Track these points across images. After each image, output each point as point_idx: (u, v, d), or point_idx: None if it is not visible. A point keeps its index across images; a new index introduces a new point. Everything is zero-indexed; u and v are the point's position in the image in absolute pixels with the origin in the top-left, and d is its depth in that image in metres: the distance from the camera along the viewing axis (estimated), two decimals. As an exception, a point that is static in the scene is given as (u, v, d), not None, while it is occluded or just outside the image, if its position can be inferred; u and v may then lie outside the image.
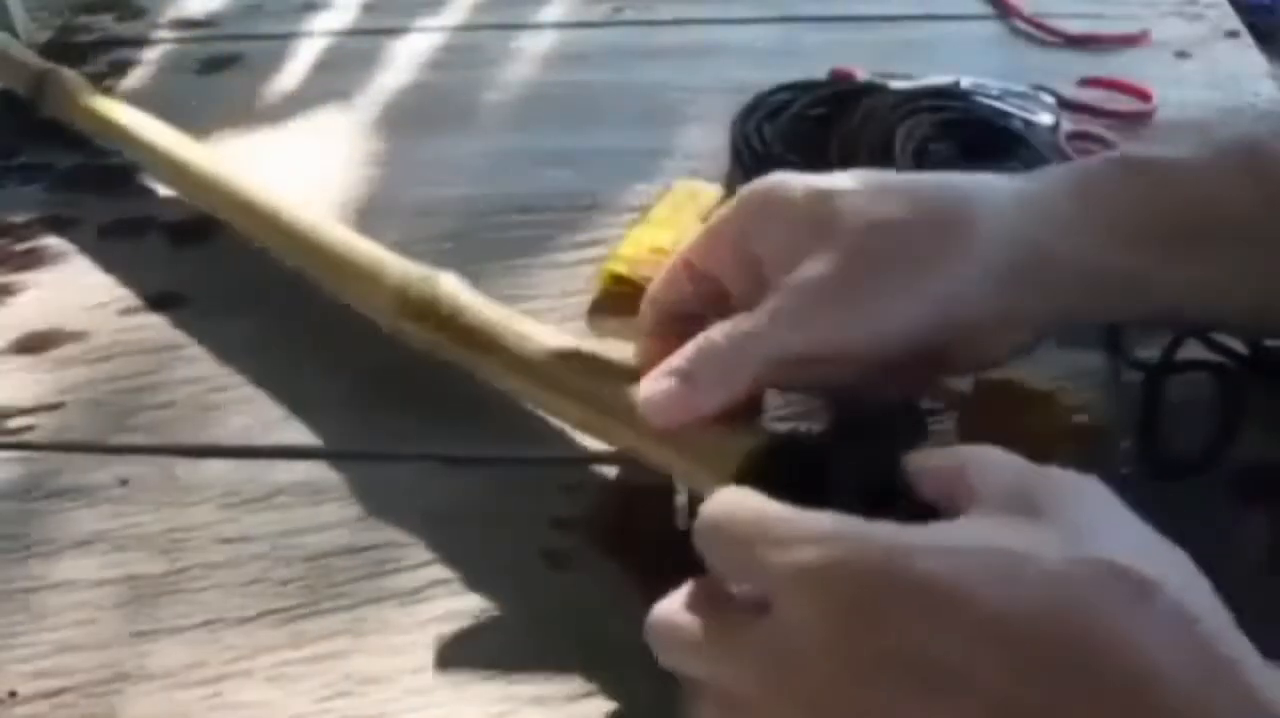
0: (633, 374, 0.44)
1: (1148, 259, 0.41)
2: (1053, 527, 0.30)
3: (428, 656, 0.43)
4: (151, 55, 0.83)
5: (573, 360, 0.46)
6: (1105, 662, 0.27)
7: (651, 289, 0.46)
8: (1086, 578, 0.29)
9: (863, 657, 0.29)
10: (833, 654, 0.30)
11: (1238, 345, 0.49)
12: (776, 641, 0.31)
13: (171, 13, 0.88)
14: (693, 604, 0.34)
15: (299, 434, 0.52)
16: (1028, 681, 0.28)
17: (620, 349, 0.47)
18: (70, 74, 0.71)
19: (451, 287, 0.51)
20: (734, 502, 0.35)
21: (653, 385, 0.42)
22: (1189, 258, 0.41)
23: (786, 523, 0.33)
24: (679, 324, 0.44)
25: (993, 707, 0.28)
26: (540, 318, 0.56)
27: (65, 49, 0.84)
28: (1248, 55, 0.74)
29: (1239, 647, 0.29)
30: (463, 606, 0.44)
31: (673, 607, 0.35)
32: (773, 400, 0.51)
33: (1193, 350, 0.49)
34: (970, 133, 0.63)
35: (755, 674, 0.31)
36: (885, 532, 0.31)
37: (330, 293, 0.55)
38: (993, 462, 0.34)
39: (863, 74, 0.70)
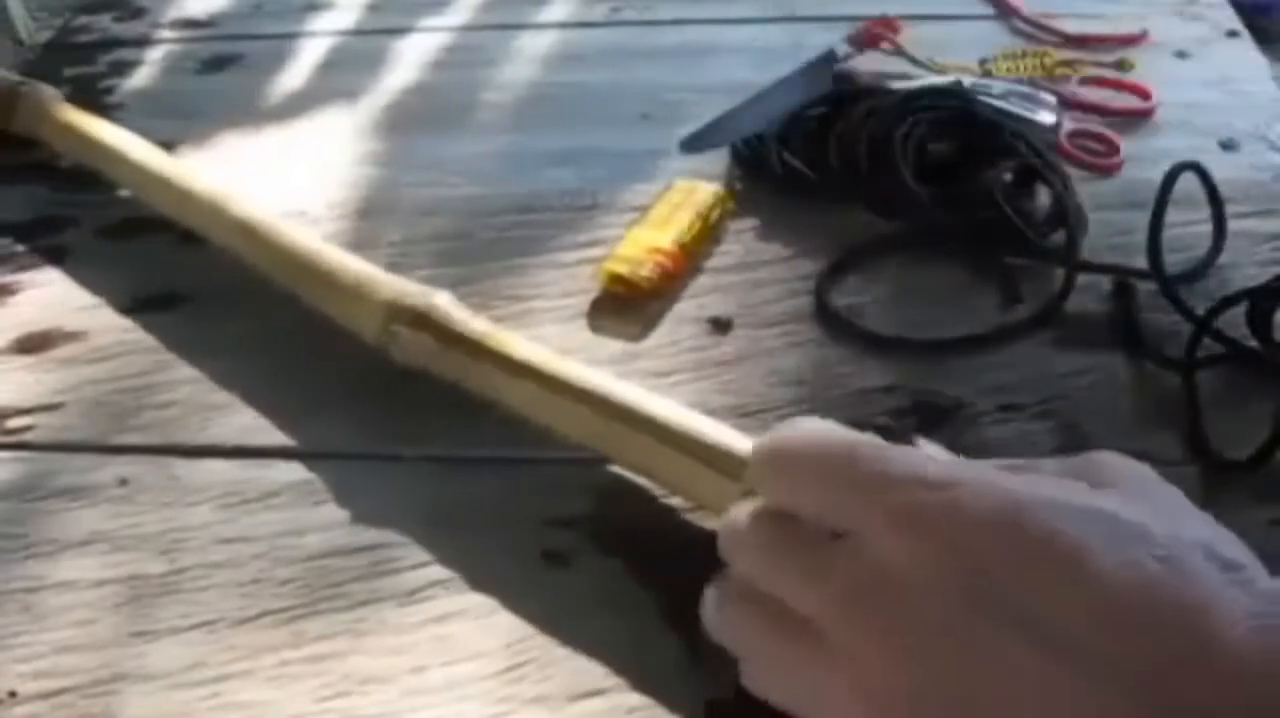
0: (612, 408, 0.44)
1: None
2: (1138, 502, 0.31)
3: (427, 656, 0.43)
4: (151, 55, 0.83)
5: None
6: (1210, 635, 0.28)
7: None
8: (1189, 556, 0.29)
9: (975, 602, 0.29)
10: (938, 594, 0.30)
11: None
12: (866, 570, 0.31)
13: (172, 13, 0.88)
14: (765, 519, 0.34)
15: (299, 434, 0.52)
16: (1138, 647, 0.28)
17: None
18: (47, 89, 0.70)
19: (445, 301, 0.51)
20: (820, 431, 0.35)
21: None
22: None
23: (886, 461, 0.32)
24: None
25: (1097, 669, 0.28)
26: (540, 318, 0.57)
27: (65, 49, 0.84)
28: (1248, 55, 0.74)
29: None
30: (462, 605, 0.44)
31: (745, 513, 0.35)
32: (783, 394, 0.51)
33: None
34: (970, 132, 0.63)
35: (835, 596, 0.31)
36: (1002, 480, 0.31)
37: (314, 304, 0.55)
38: None
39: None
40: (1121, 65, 0.72)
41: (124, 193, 0.67)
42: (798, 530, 0.34)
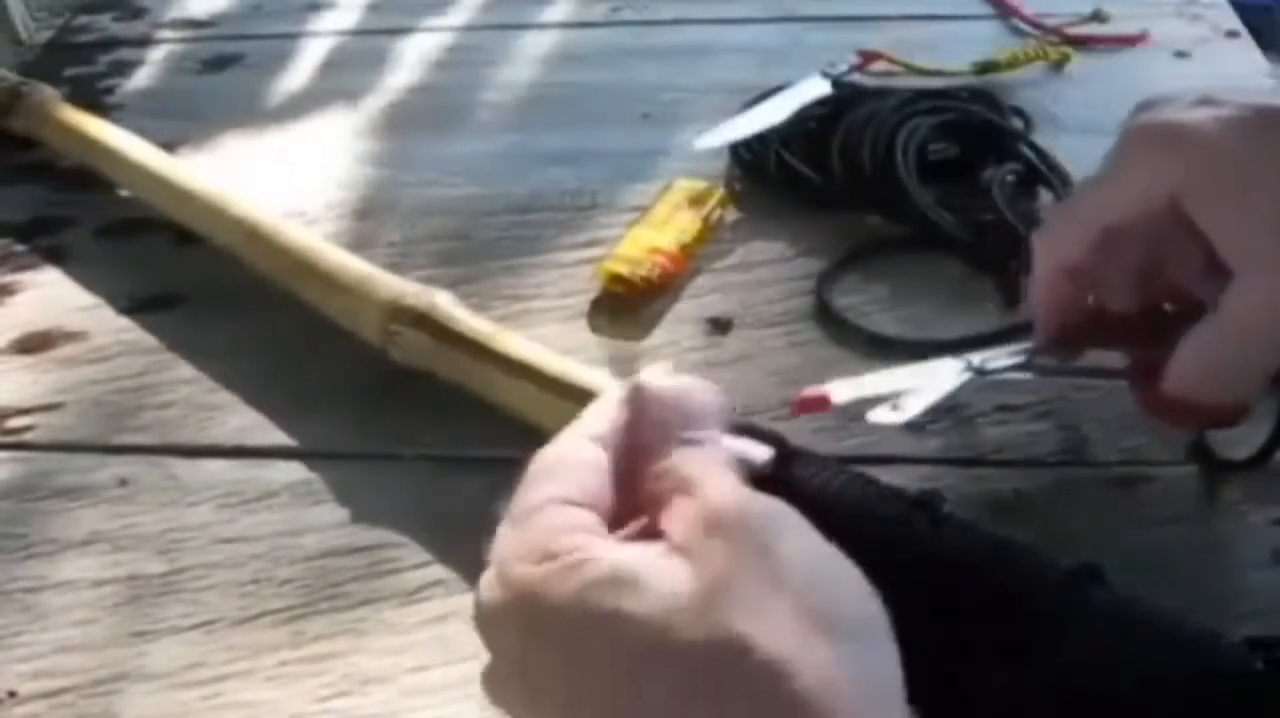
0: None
1: None
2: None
3: (427, 656, 0.43)
4: (152, 55, 0.83)
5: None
6: None
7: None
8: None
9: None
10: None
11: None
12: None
13: (172, 13, 0.88)
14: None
15: (298, 434, 0.52)
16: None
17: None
18: (48, 89, 0.71)
19: (445, 300, 0.51)
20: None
21: None
22: None
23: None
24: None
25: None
26: (540, 318, 0.56)
27: (65, 49, 0.84)
28: (1248, 55, 0.74)
29: None
30: (462, 605, 0.44)
31: None
32: (783, 394, 0.51)
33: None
34: (972, 134, 0.63)
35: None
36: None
37: (315, 304, 0.55)
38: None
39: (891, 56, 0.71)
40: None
41: (124, 193, 0.67)
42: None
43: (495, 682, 0.34)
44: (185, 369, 0.56)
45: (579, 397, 0.46)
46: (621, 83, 0.75)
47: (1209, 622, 0.41)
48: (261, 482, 0.50)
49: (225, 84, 0.79)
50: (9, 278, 0.62)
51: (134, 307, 0.60)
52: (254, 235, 0.57)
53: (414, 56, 0.80)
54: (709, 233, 0.61)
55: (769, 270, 0.59)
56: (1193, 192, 0.38)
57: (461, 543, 0.46)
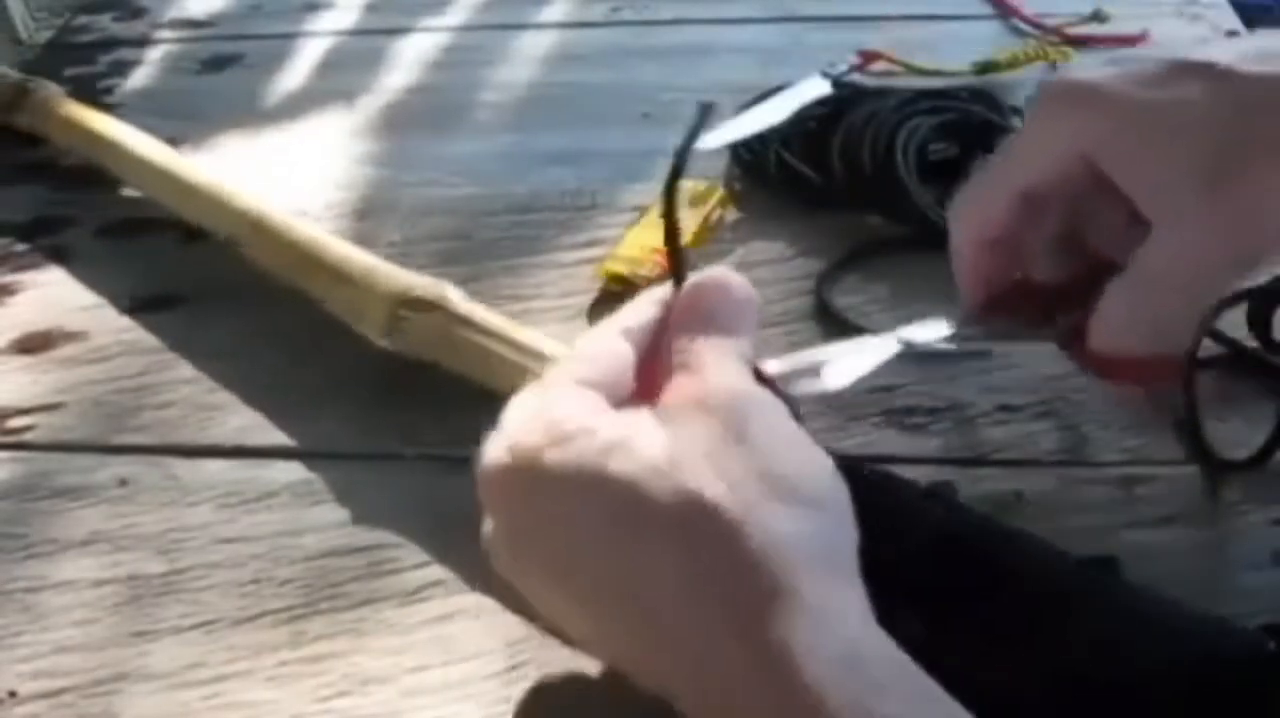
0: None
1: None
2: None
3: (427, 656, 0.43)
4: (151, 55, 0.83)
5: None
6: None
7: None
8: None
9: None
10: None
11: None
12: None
13: (171, 13, 0.88)
14: None
15: (298, 434, 0.52)
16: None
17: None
18: (52, 86, 0.71)
19: (456, 293, 0.51)
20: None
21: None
22: None
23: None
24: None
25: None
26: (540, 318, 0.56)
27: (65, 49, 0.84)
28: (1248, 55, 0.74)
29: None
30: (462, 605, 0.44)
31: None
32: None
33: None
34: (972, 134, 0.63)
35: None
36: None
37: (320, 296, 0.55)
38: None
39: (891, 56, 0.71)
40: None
41: (125, 193, 0.67)
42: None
43: (494, 547, 0.37)
44: (185, 369, 0.56)
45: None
46: (621, 83, 0.75)
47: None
48: (261, 482, 0.50)
49: (224, 84, 0.79)
50: (9, 278, 0.62)
51: (134, 307, 0.60)
52: (259, 228, 0.57)
53: (413, 56, 0.80)
54: (709, 233, 0.61)
55: (769, 270, 0.59)
56: (1106, 148, 0.38)
57: (462, 543, 0.46)
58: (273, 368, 0.55)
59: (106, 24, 0.87)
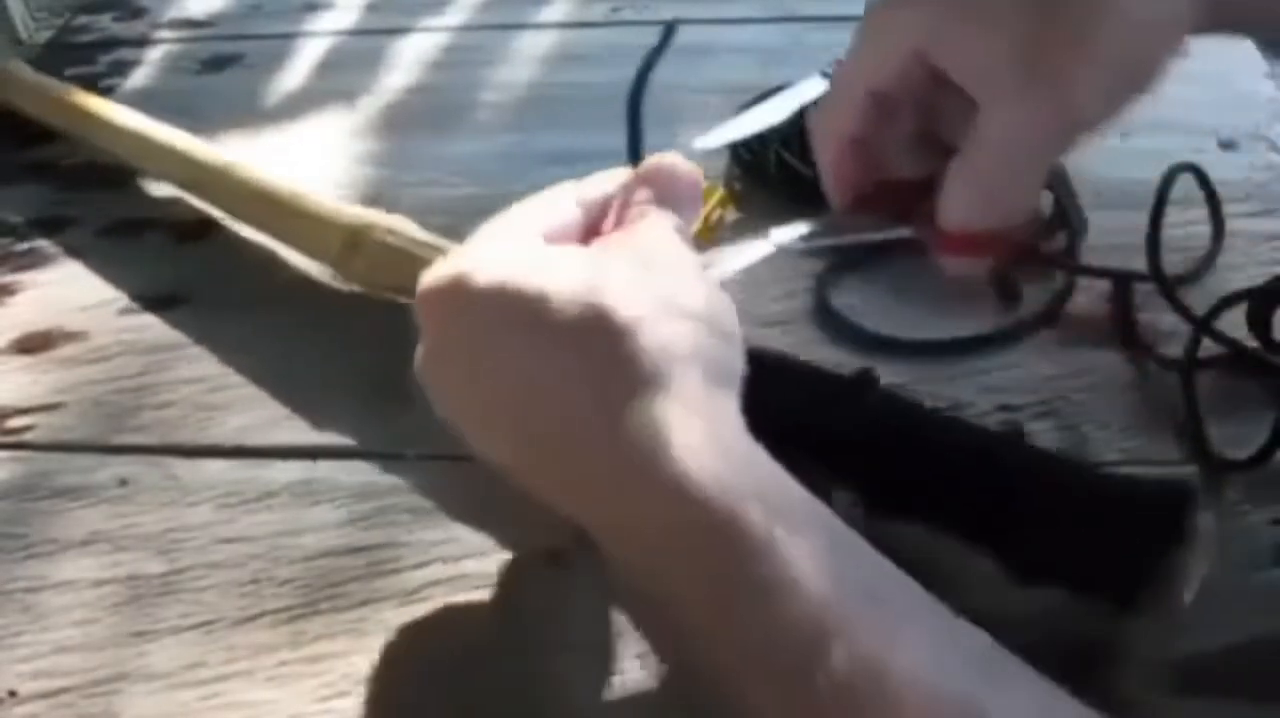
0: None
1: None
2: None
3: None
4: (151, 55, 0.83)
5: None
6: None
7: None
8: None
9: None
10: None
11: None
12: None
13: (171, 13, 0.88)
14: None
15: (298, 434, 0.52)
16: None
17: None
18: (14, 62, 0.73)
19: (405, 220, 0.55)
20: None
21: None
22: None
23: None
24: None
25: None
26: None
27: (65, 49, 0.84)
28: (1248, 55, 0.74)
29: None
30: (462, 605, 0.44)
31: None
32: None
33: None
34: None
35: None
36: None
37: (278, 233, 0.58)
38: None
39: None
40: None
41: (125, 193, 0.67)
42: None
43: (423, 367, 0.39)
44: (185, 369, 0.56)
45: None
46: (621, 83, 0.75)
47: (1209, 621, 0.41)
48: (261, 482, 0.50)
49: (224, 84, 0.79)
50: (9, 278, 0.62)
51: (134, 307, 0.60)
52: (214, 173, 0.60)
53: (413, 56, 0.80)
54: (709, 233, 0.61)
55: (769, 270, 0.59)
56: (935, 40, 0.41)
57: (462, 543, 0.47)
58: (273, 368, 0.55)
59: (106, 24, 0.87)
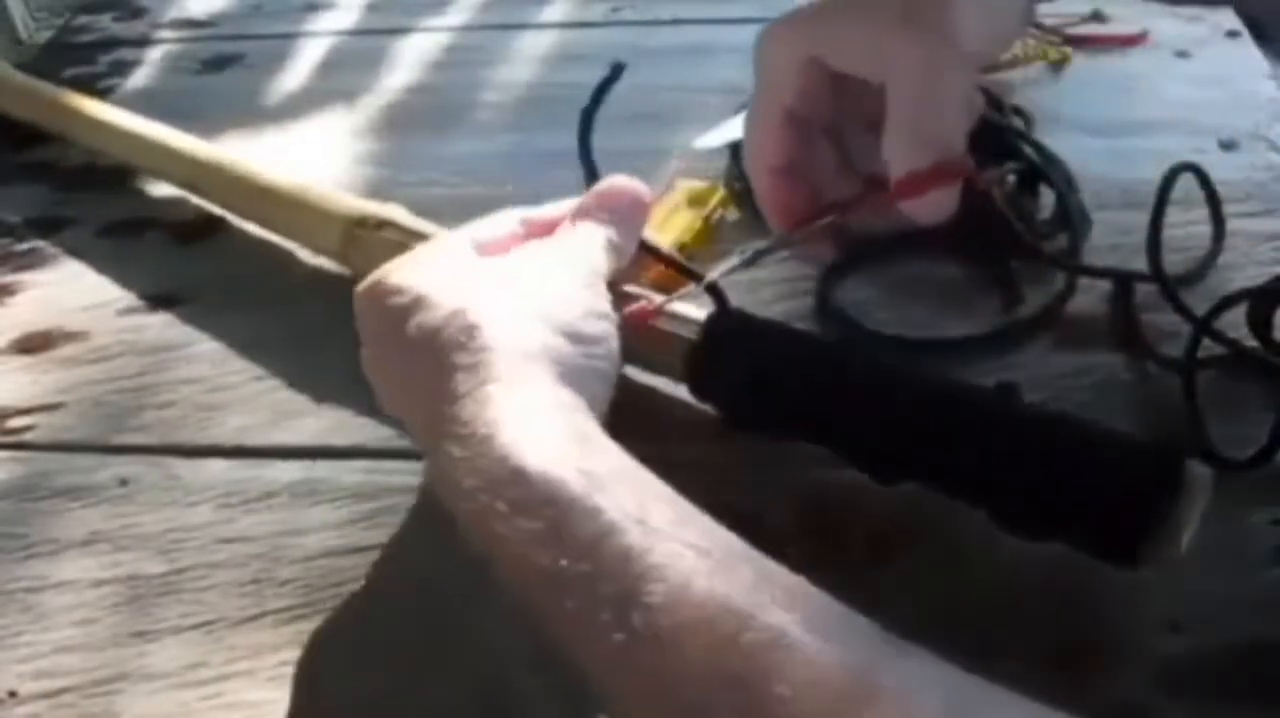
0: None
1: None
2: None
3: (428, 656, 0.43)
4: (151, 55, 0.83)
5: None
6: None
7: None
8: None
9: None
10: None
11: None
12: None
13: (172, 13, 0.88)
14: None
15: (298, 434, 0.52)
16: None
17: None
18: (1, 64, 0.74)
19: (403, 212, 0.55)
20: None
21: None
22: None
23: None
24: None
25: None
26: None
27: (65, 49, 0.84)
28: (1248, 55, 0.74)
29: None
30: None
31: None
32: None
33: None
34: (973, 134, 0.63)
35: None
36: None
37: (279, 225, 0.59)
38: None
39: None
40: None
41: (125, 193, 0.67)
42: None
43: (363, 361, 0.45)
44: (185, 369, 0.56)
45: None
46: (622, 83, 0.75)
47: (1209, 620, 0.41)
48: (261, 482, 0.50)
49: (225, 84, 0.79)
50: (9, 278, 0.62)
51: (134, 307, 0.60)
52: (214, 170, 0.61)
53: (413, 56, 0.80)
54: (709, 233, 0.61)
55: (769, 270, 0.59)
56: (820, 42, 0.45)
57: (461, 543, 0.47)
58: (273, 368, 0.55)
59: (106, 24, 0.87)
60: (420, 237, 0.53)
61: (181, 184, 0.64)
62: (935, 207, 0.43)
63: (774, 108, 0.46)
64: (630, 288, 0.48)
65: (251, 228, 0.62)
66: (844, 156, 0.48)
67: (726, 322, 0.47)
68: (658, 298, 0.47)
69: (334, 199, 0.57)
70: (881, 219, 0.46)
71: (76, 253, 0.64)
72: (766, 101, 0.46)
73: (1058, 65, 0.72)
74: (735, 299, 0.57)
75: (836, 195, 0.48)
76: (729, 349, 0.47)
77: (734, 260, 0.48)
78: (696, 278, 0.47)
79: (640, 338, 0.46)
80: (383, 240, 0.53)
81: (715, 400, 0.48)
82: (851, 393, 0.44)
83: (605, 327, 0.42)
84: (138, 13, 0.88)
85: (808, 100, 0.46)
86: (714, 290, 0.47)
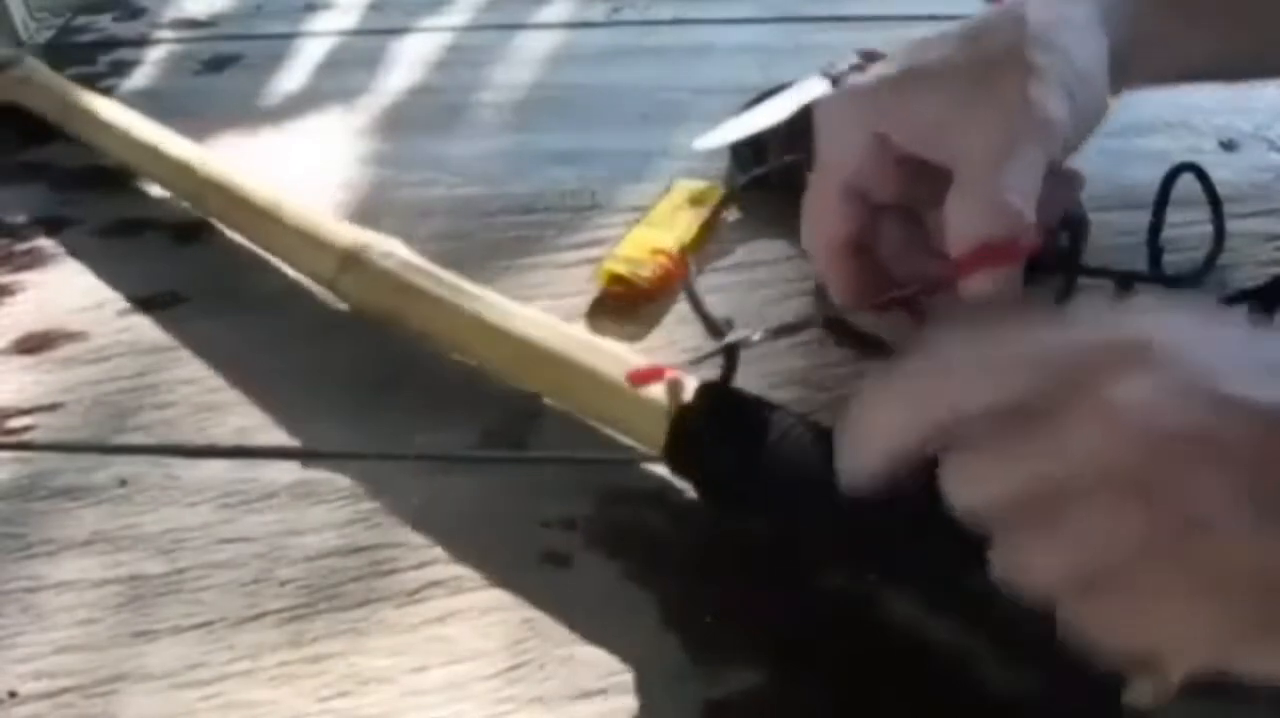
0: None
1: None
2: None
3: (427, 656, 0.43)
4: (151, 55, 0.83)
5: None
6: None
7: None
8: None
9: None
10: None
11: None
12: None
13: (171, 13, 0.88)
14: None
15: (298, 434, 0.52)
16: None
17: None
18: (29, 60, 0.74)
19: (401, 245, 0.55)
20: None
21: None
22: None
23: None
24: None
25: None
26: (540, 318, 0.56)
27: (65, 49, 0.84)
28: (1248, 55, 0.74)
29: None
30: (462, 606, 0.44)
31: None
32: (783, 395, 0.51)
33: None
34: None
35: None
36: None
37: (279, 251, 0.59)
38: None
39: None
40: None
41: (125, 193, 0.67)
42: None
43: None
44: (185, 369, 0.56)
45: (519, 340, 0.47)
46: (621, 83, 0.75)
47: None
48: (261, 482, 0.50)
49: (224, 84, 0.79)
50: (9, 278, 0.62)
51: (134, 307, 0.60)
52: (219, 190, 0.61)
53: (413, 56, 0.80)
54: (709, 233, 0.61)
55: (769, 270, 0.59)
56: (887, 117, 0.41)
57: (462, 543, 0.47)
58: (272, 368, 0.55)
59: (106, 24, 0.87)
60: (413, 269, 0.53)
61: (186, 198, 0.64)
62: (995, 282, 0.39)
63: (832, 184, 0.43)
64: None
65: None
66: (914, 232, 0.44)
67: (711, 400, 0.45)
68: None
69: (334, 229, 0.57)
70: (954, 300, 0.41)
71: (76, 253, 0.64)
72: (824, 178, 0.43)
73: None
74: (735, 299, 0.58)
75: (906, 272, 0.44)
76: (709, 434, 0.44)
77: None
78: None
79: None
80: (380, 272, 0.53)
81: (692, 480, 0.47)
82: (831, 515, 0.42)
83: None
84: (137, 13, 0.88)
85: (870, 179, 0.42)
86: (730, 352, 0.45)
